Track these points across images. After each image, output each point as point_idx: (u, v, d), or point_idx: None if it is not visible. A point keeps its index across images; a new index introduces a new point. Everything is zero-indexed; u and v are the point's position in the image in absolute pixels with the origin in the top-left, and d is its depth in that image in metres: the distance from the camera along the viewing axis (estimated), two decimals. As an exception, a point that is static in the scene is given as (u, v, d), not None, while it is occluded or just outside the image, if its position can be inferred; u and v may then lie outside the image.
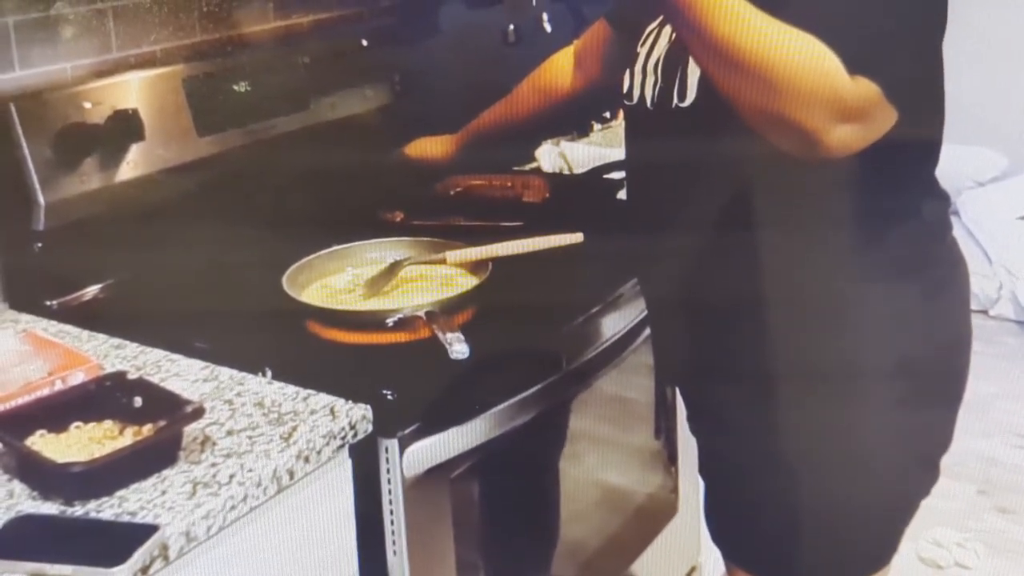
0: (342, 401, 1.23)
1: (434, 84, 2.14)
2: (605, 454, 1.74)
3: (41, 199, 1.49)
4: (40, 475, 1.07)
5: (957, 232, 1.29)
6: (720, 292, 1.23)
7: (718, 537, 1.37)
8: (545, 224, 1.63)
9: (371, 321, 1.42)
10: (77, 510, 1.04)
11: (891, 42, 1.05)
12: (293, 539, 1.18)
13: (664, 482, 1.85)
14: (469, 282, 1.53)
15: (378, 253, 1.63)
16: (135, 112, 1.58)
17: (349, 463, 1.23)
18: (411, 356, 1.36)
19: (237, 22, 1.86)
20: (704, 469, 1.39)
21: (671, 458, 1.85)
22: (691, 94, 1.18)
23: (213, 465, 1.11)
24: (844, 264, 1.19)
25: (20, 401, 1.19)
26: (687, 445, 1.75)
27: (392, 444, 1.25)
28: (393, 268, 1.56)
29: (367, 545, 1.26)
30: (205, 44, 1.79)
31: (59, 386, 1.23)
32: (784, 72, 0.99)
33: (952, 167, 1.33)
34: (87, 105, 1.54)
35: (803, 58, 1.00)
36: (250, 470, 1.10)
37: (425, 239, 1.63)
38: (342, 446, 1.20)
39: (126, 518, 1.02)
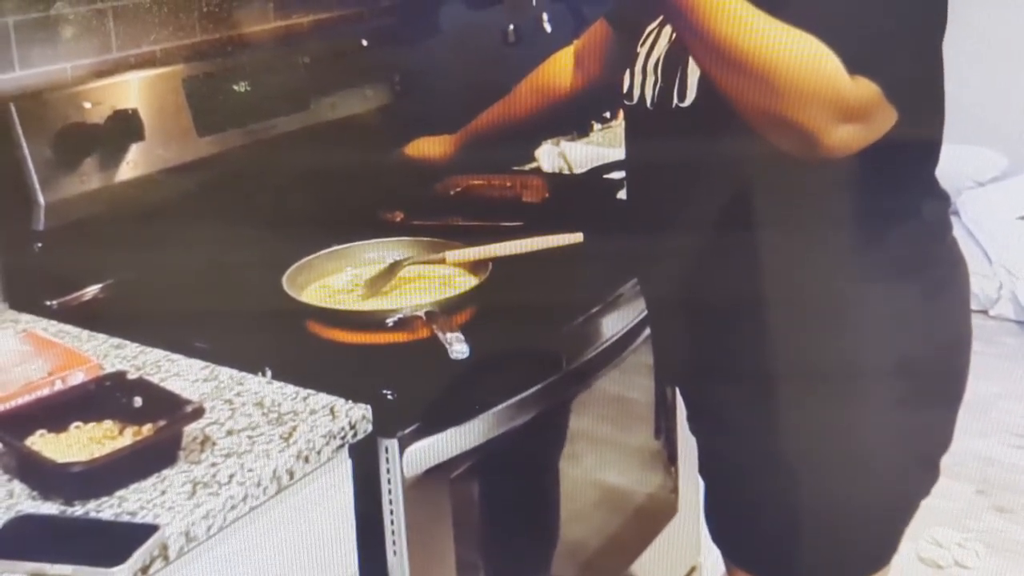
0: (342, 401, 1.23)
1: (434, 84, 2.14)
2: (605, 454, 1.74)
3: (41, 199, 1.49)
4: (40, 475, 1.07)
5: (957, 232, 1.29)
6: (720, 292, 1.23)
7: (718, 537, 1.37)
8: (545, 224, 1.62)
9: (371, 321, 1.42)
10: (77, 510, 1.04)
11: (891, 42, 1.05)
12: (293, 539, 1.18)
13: (664, 482, 1.85)
14: (469, 282, 1.53)
15: (378, 253, 1.63)
16: (135, 112, 1.58)
17: (349, 463, 1.23)
18: (411, 356, 1.36)
19: (237, 22, 1.86)
20: (704, 469, 1.39)
21: (671, 458, 1.85)
22: (691, 94, 1.18)
23: (213, 465, 1.11)
24: (844, 264, 1.19)
25: (20, 401, 1.19)
26: (687, 445, 1.75)
27: (392, 444, 1.25)
28: (393, 268, 1.56)
29: (367, 545, 1.26)
30: (205, 44, 1.79)
31: (59, 386, 1.23)
32: (784, 72, 0.99)
33: (952, 167, 1.33)
34: (87, 105, 1.54)
35: (803, 58, 1.00)
36: (250, 470, 1.10)
37: (425, 239, 1.63)
38: (342, 446, 1.20)
39: (126, 518, 1.02)
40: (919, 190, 1.22)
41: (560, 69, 1.68)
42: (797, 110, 1.01)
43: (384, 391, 1.24)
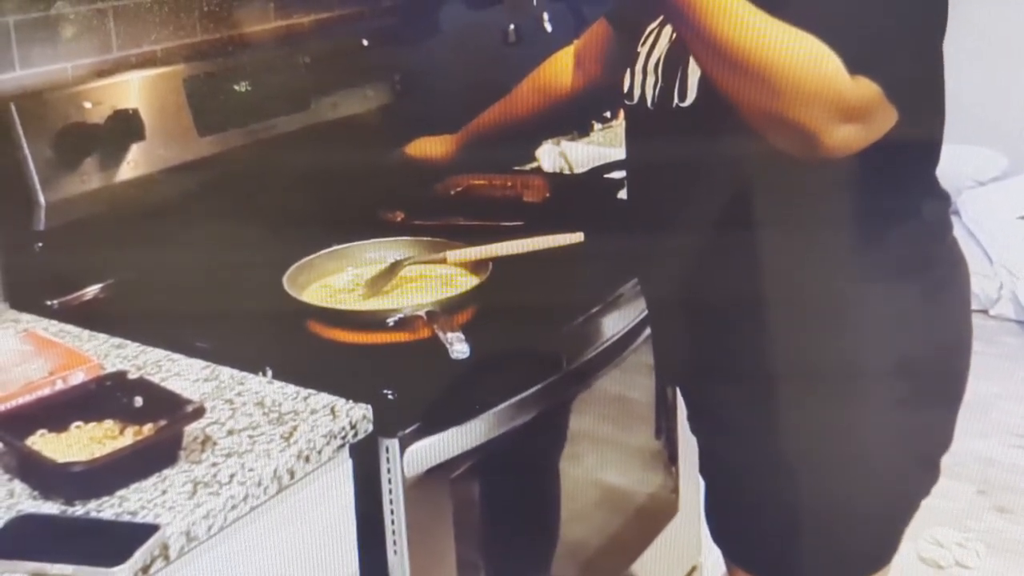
0: (342, 401, 1.23)
1: (434, 84, 2.14)
2: (605, 454, 1.74)
3: (42, 199, 1.49)
4: (40, 475, 1.08)
5: (957, 232, 1.29)
6: (720, 292, 1.23)
7: (718, 537, 1.37)
8: (545, 224, 1.62)
9: (371, 321, 1.42)
10: (77, 510, 1.04)
11: (891, 42, 1.05)
12: (293, 539, 1.18)
13: (664, 482, 1.85)
14: (469, 282, 1.53)
15: (378, 253, 1.63)
16: (135, 112, 1.58)
17: (349, 463, 1.23)
18: (411, 356, 1.36)
19: (238, 22, 1.86)
20: (704, 469, 1.39)
21: (671, 458, 1.85)
22: (691, 94, 1.18)
23: (214, 465, 1.11)
24: (844, 264, 1.19)
25: (21, 401, 1.19)
26: (687, 445, 1.75)
27: (392, 444, 1.25)
28: (393, 268, 1.56)
29: (367, 545, 1.26)
30: (206, 44, 1.79)
31: (60, 386, 1.23)
32: (785, 72, 0.99)
33: (952, 167, 1.32)
34: (87, 105, 1.54)
35: (804, 58, 0.99)
36: (251, 470, 1.10)
37: (425, 239, 1.63)
38: (342, 446, 1.20)
39: (126, 518, 1.02)
40: (919, 190, 1.22)
41: (560, 69, 1.68)
42: (797, 110, 1.01)
43: (385, 391, 1.24)
